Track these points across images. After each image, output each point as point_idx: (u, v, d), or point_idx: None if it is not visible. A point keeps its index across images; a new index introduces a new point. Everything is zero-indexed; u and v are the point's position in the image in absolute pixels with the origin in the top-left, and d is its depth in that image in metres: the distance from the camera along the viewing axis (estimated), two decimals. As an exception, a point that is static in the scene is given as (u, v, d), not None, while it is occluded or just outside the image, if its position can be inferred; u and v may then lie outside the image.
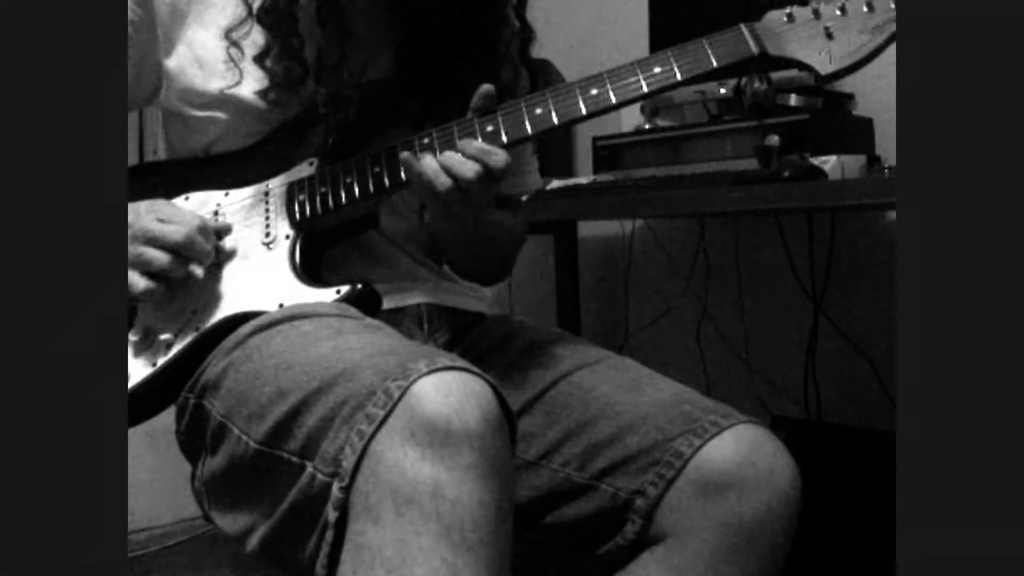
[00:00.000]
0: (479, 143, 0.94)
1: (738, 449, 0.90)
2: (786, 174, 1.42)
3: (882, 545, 1.66)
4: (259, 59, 1.03)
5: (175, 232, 0.98)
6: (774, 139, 1.53)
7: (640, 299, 2.39)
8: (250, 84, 1.04)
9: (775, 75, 1.70)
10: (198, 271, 1.00)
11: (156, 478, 2.21)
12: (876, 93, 1.82)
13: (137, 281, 0.98)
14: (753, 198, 1.42)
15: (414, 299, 1.08)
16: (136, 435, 2.33)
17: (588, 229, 2.44)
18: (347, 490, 0.76)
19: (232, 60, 1.04)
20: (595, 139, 1.94)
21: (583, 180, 1.90)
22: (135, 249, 0.98)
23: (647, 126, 1.94)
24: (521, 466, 0.96)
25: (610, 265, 2.46)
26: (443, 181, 0.93)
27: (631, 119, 2.06)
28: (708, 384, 2.20)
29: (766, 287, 2.14)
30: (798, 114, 1.64)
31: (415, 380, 0.76)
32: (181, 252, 0.99)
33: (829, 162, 1.46)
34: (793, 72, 1.82)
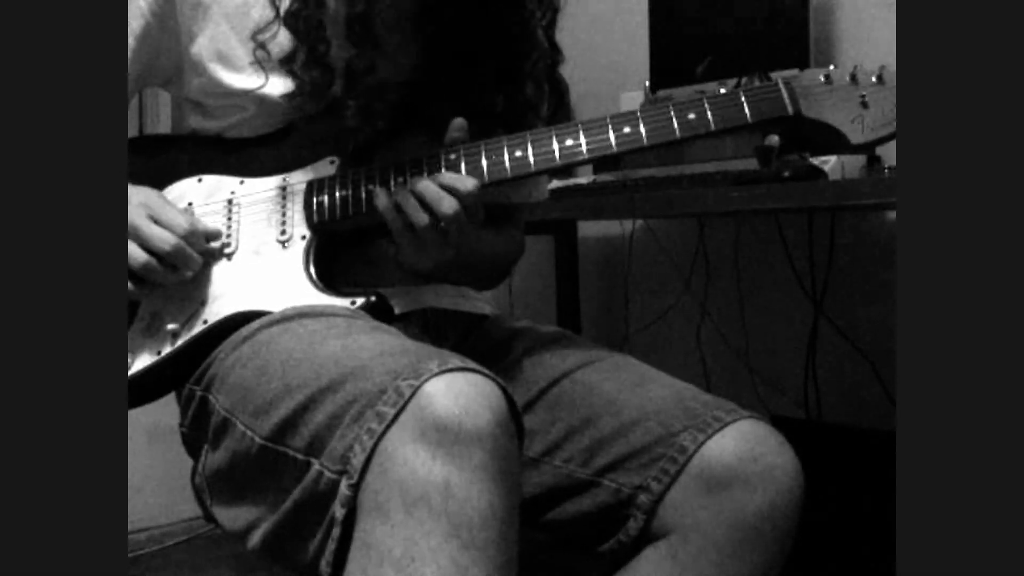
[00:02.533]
0: (450, 175, 0.94)
1: (741, 444, 0.90)
2: (786, 174, 1.42)
3: (882, 545, 1.66)
4: (285, 63, 1.02)
5: (163, 241, 0.96)
6: (774, 139, 1.53)
7: (640, 299, 2.39)
8: (276, 86, 1.04)
9: (775, 75, 1.70)
10: (187, 274, 0.99)
11: (156, 478, 2.21)
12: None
13: None
14: (753, 198, 1.42)
15: (419, 304, 1.08)
16: (136, 434, 2.33)
17: (588, 229, 2.45)
18: (356, 488, 0.76)
19: (259, 62, 1.03)
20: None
21: (583, 180, 1.90)
22: None
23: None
24: (524, 463, 0.96)
25: (610, 265, 2.46)
26: (420, 217, 0.94)
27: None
28: (708, 384, 2.20)
29: (766, 287, 2.15)
30: (798, 114, 1.64)
31: (426, 380, 0.76)
32: (166, 260, 0.97)
33: (829, 162, 1.46)
34: (793, 71, 1.82)
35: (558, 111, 1.13)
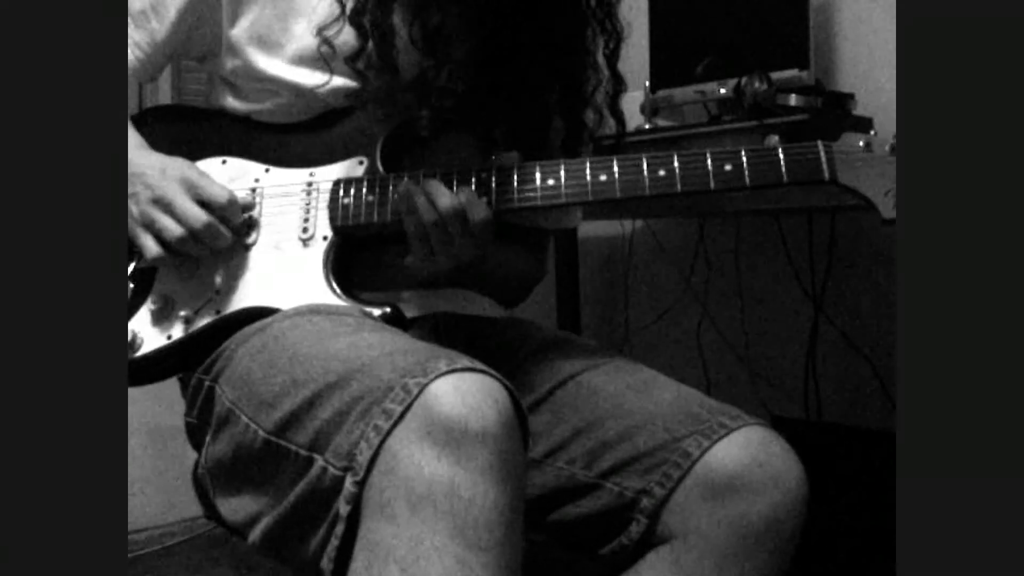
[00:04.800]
0: (471, 192, 0.95)
1: (746, 451, 0.90)
2: (786, 174, 1.42)
3: (882, 545, 1.66)
4: (351, 60, 1.02)
5: (197, 218, 0.97)
6: (774, 139, 1.53)
7: (640, 299, 2.39)
8: (336, 83, 1.03)
9: (775, 75, 1.70)
10: (222, 245, 1.00)
11: (156, 478, 2.21)
12: (876, 93, 1.82)
13: (150, 246, 0.98)
14: (753, 198, 1.42)
15: (430, 309, 1.08)
16: (136, 435, 2.33)
17: (588, 229, 2.44)
18: (361, 485, 0.76)
19: (323, 58, 1.03)
20: (595, 138, 1.95)
21: (583, 180, 1.90)
22: (153, 213, 0.98)
23: (647, 126, 1.94)
24: (527, 464, 0.96)
25: (610, 265, 2.46)
26: (430, 216, 0.94)
27: (631, 119, 2.06)
28: (708, 384, 2.20)
29: (766, 287, 2.15)
30: (798, 114, 1.64)
31: (433, 379, 0.76)
32: (200, 238, 0.98)
33: (829, 162, 1.46)
34: (793, 71, 1.82)
35: (620, 140, 1.12)
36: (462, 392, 0.76)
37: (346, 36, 1.02)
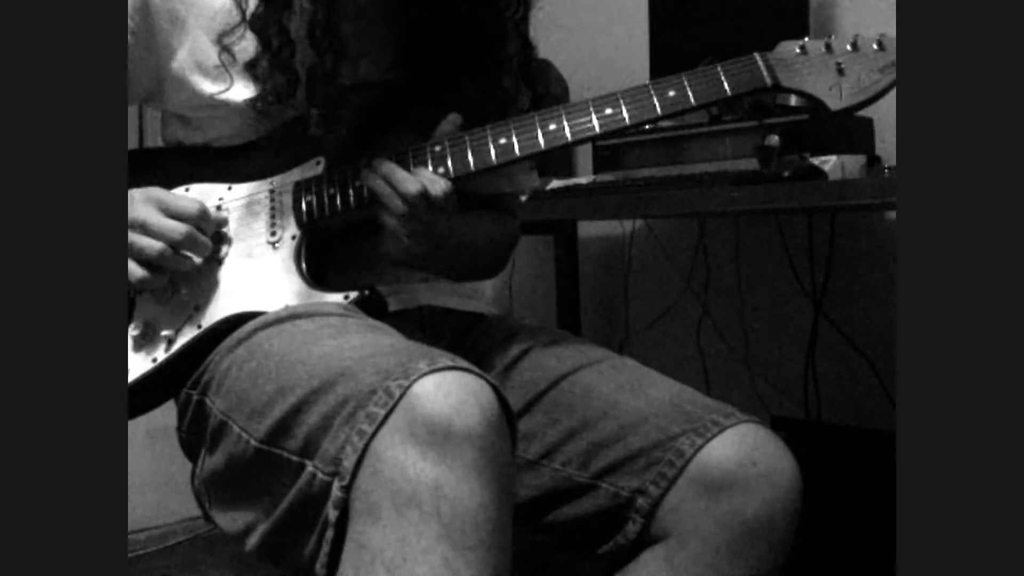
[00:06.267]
0: (428, 171, 0.96)
1: (740, 448, 0.90)
2: (786, 174, 1.42)
3: (882, 545, 1.66)
4: (250, 67, 1.02)
5: (173, 230, 0.98)
6: (774, 139, 1.53)
7: (640, 299, 2.39)
8: (240, 90, 1.03)
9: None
10: (196, 261, 1.00)
11: (156, 478, 2.21)
12: (876, 93, 1.82)
13: (134, 270, 0.98)
14: (753, 198, 1.42)
15: (416, 302, 1.08)
16: (136, 435, 2.33)
17: (588, 229, 2.45)
18: (348, 489, 0.76)
19: (223, 65, 1.03)
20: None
21: (583, 180, 1.91)
22: (130, 237, 0.98)
23: (647, 127, 1.94)
24: (522, 465, 0.96)
25: (610, 265, 2.46)
26: (396, 204, 0.95)
27: (631, 119, 2.06)
28: (708, 384, 2.20)
29: (766, 287, 2.15)
30: (798, 114, 1.64)
31: (416, 379, 0.76)
32: (178, 248, 0.99)
33: (829, 162, 1.46)
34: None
35: (539, 105, 1.13)
36: (444, 391, 0.76)
37: (247, 43, 1.02)
